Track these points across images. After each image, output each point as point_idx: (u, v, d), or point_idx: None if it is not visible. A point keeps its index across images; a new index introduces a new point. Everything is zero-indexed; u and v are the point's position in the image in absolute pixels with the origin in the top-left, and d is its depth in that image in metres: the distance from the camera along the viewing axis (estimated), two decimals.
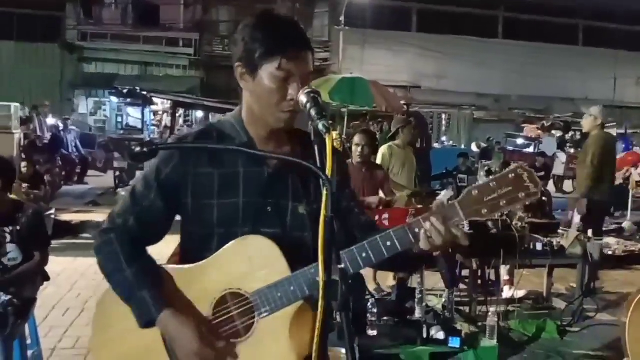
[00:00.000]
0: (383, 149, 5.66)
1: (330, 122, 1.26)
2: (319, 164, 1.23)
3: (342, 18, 19.39)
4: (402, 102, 11.42)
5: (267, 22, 1.39)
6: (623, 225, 8.25)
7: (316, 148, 1.28)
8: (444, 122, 20.49)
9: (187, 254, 1.46)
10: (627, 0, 20.81)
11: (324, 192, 1.14)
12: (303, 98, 1.30)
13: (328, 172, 1.16)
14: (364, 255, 1.32)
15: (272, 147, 1.44)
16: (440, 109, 20.42)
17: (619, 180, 10.40)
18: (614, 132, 18.23)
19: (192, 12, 22.00)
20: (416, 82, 21.08)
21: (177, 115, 14.12)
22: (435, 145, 15.10)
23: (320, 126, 1.22)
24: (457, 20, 21.89)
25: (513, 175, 1.25)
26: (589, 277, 4.73)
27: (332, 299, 1.12)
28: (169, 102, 13.87)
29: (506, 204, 1.26)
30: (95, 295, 5.20)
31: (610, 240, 7.43)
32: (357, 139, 4.80)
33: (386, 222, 4.40)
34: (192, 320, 1.34)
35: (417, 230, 1.31)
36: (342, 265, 1.23)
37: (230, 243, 1.36)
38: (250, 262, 1.35)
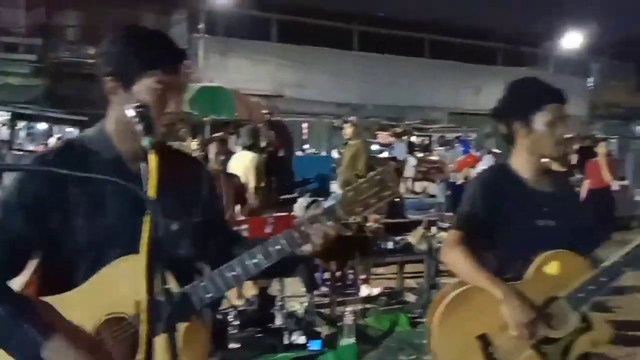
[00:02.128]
0: (253, 157, 5.62)
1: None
2: (144, 183, 1.22)
3: (201, 26, 19.08)
4: (265, 111, 11.50)
5: (139, 35, 1.39)
6: None
7: (140, 166, 1.26)
8: (305, 131, 21.01)
9: (49, 282, 1.35)
10: (466, 17, 23.18)
11: (146, 213, 1.11)
12: (131, 112, 1.26)
13: (151, 191, 1.13)
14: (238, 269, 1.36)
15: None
16: (301, 117, 20.92)
17: (460, 180, 11.47)
18: (452, 135, 20.11)
19: (35, 15, 20.16)
20: (278, 91, 21.36)
21: (17, 128, 12.82)
22: (298, 153, 15.43)
23: (145, 142, 1.20)
24: (315, 32, 22.61)
25: (379, 176, 1.42)
26: (434, 270, 5.13)
27: (156, 320, 1.08)
28: (9, 113, 12.56)
29: (376, 202, 1.42)
30: None
31: None
32: (212, 148, 4.74)
33: (246, 232, 4.38)
34: (80, 345, 1.26)
35: (299, 239, 1.39)
36: (168, 286, 1.22)
37: (108, 265, 1.31)
38: (130, 283, 1.29)
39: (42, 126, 15.05)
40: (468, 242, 2.01)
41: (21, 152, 11.68)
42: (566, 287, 1.93)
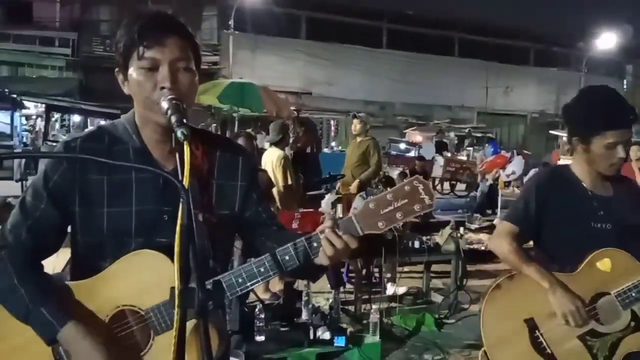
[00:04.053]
0: (280, 155, 5.59)
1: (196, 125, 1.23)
2: (180, 172, 1.21)
3: (231, 22, 19.24)
4: (293, 108, 11.56)
5: (128, 20, 1.33)
6: (494, 222, 8.94)
7: (177, 156, 1.26)
8: (333, 128, 21.05)
9: (78, 266, 1.39)
10: (496, 16, 22.86)
11: (181, 201, 1.10)
12: (165, 104, 1.25)
13: (185, 180, 1.12)
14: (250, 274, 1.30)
15: (166, 150, 1.37)
16: (329, 115, 20.96)
17: (489, 181, 11.33)
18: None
19: (70, 10, 20.62)
20: (307, 88, 21.45)
21: (53, 119, 13.15)
22: (325, 150, 15.47)
23: (179, 134, 1.19)
24: (344, 29, 22.61)
25: (409, 187, 1.26)
26: (462, 271, 5.08)
27: (189, 307, 1.10)
28: (43, 105, 12.89)
29: (402, 216, 1.26)
30: None
31: (482, 236, 8.06)
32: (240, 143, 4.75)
33: None
34: (95, 333, 1.27)
35: (315, 245, 1.29)
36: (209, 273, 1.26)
37: (122, 258, 1.31)
38: (143, 277, 1.31)
39: (76, 118, 15.39)
40: (518, 235, 2.07)
41: (55, 143, 11.99)
42: (617, 284, 1.96)
